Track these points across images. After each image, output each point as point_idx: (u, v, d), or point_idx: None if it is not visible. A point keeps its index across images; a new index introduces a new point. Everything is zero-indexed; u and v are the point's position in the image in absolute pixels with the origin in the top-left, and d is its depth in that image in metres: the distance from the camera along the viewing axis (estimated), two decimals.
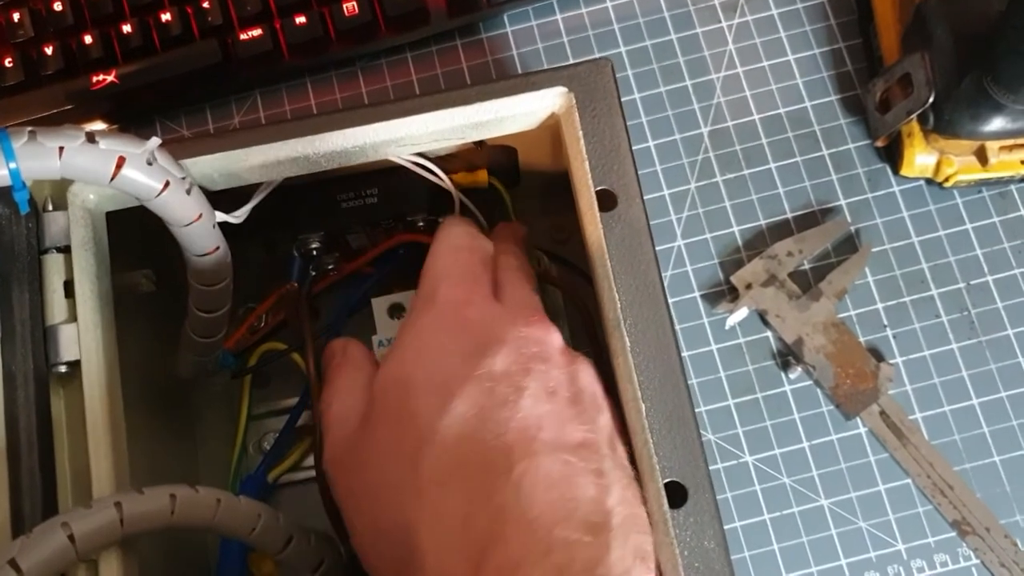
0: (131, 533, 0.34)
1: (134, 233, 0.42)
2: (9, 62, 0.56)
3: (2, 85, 0.56)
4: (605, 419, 0.36)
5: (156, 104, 0.58)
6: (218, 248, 0.39)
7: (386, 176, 0.47)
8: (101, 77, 0.56)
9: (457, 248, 0.41)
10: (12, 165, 0.33)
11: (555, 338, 0.38)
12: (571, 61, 0.58)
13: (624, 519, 0.34)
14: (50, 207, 0.39)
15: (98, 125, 0.57)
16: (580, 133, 0.39)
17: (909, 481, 0.51)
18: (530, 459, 0.33)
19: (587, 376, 0.37)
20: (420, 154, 0.44)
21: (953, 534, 0.51)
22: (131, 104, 0.57)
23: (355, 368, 0.40)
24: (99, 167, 0.34)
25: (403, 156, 0.44)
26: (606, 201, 0.39)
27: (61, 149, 0.34)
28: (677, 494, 0.36)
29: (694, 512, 0.36)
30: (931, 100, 0.49)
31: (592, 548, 0.32)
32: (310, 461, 0.49)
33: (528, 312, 0.38)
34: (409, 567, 0.33)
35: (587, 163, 0.38)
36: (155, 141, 0.35)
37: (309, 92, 0.59)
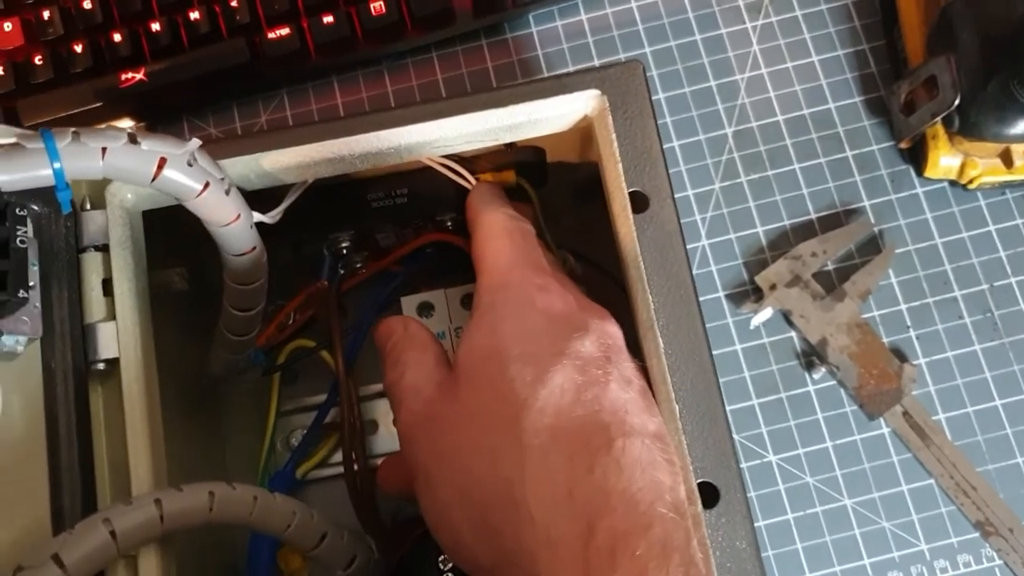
0: (170, 530, 0.35)
1: (168, 231, 0.43)
2: (39, 60, 0.56)
3: (32, 83, 0.56)
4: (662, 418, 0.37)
5: (184, 102, 0.58)
6: (255, 248, 0.40)
7: (415, 176, 0.47)
8: (130, 75, 0.56)
9: (510, 231, 0.41)
10: (56, 165, 0.33)
11: (621, 334, 0.38)
12: (596, 61, 0.59)
13: (692, 514, 0.35)
14: (88, 206, 0.40)
15: (126, 123, 0.57)
16: (613, 136, 0.39)
17: (932, 481, 0.52)
18: (625, 438, 0.34)
19: (636, 363, 0.38)
20: (450, 156, 0.45)
21: (976, 535, 0.51)
22: (159, 102, 0.57)
23: (422, 346, 0.40)
24: (141, 168, 0.35)
25: (433, 158, 0.44)
26: (638, 203, 0.39)
27: (104, 150, 0.34)
28: (709, 495, 0.37)
29: (726, 512, 0.37)
30: (957, 102, 0.49)
31: (682, 527, 0.33)
32: (337, 457, 0.50)
33: (594, 306, 0.39)
34: (505, 521, 0.34)
35: (620, 165, 0.39)
36: (195, 142, 0.36)
37: (336, 91, 0.59)
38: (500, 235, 0.40)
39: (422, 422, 0.38)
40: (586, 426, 0.34)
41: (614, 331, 0.38)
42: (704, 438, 0.37)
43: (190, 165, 0.36)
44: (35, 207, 0.38)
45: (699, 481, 0.36)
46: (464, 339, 0.38)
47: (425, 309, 0.50)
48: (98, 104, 0.56)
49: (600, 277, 0.49)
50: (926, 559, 0.51)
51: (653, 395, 0.37)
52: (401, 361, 0.40)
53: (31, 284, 0.36)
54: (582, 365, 0.35)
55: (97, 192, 0.40)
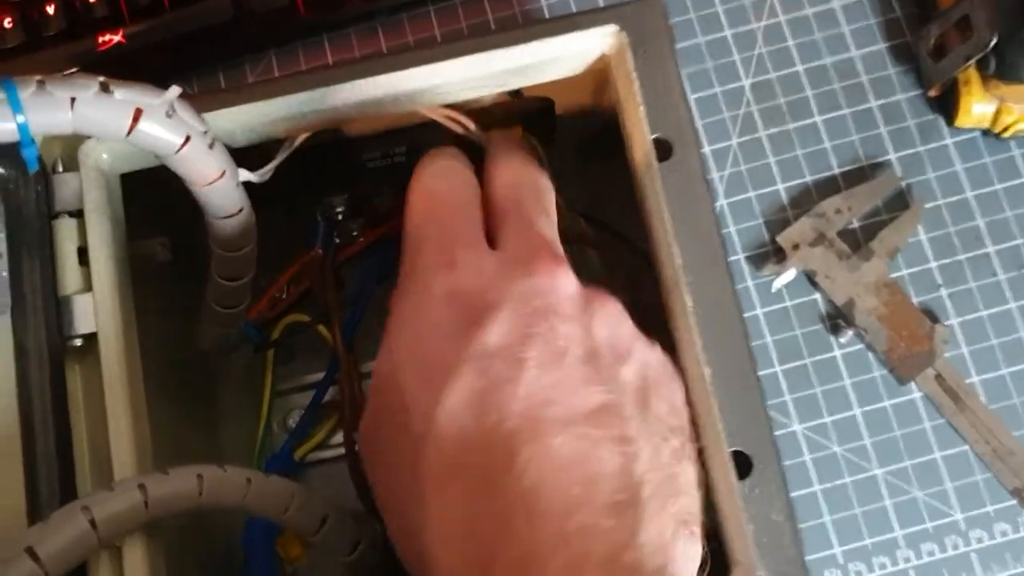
0: (156, 517, 0.32)
1: (148, 197, 0.40)
2: (9, 23, 0.53)
3: (2, 47, 0.53)
4: (631, 370, 0.32)
5: (166, 65, 0.55)
6: (242, 210, 0.37)
7: (414, 133, 0.44)
8: (107, 37, 0.53)
9: (431, 194, 0.35)
10: (20, 118, 0.30)
11: (564, 283, 0.32)
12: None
13: (659, 485, 0.30)
14: (60, 168, 0.37)
15: None
16: (635, 75, 0.36)
17: (967, 448, 0.49)
18: (535, 443, 0.29)
19: (605, 322, 0.32)
20: (451, 107, 0.41)
21: (1014, 503, 0.48)
22: (139, 65, 0.54)
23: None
24: (115, 120, 0.32)
25: (434, 111, 0.41)
26: (661, 150, 0.36)
27: (73, 100, 0.31)
28: (742, 464, 0.34)
29: (760, 483, 0.34)
30: (994, 43, 0.46)
31: (616, 531, 0.28)
32: (338, 438, 0.47)
33: (529, 257, 0.32)
34: (420, 567, 0.30)
35: (643, 108, 0.35)
36: (175, 90, 0.33)
37: (327, 50, 0.56)
38: (417, 201, 0.35)
39: (362, 446, 0.35)
40: (490, 443, 0.29)
41: (546, 284, 0.31)
42: (735, 404, 0.34)
43: (169, 117, 0.33)
44: (0, 170, 0.35)
45: (731, 450, 0.34)
46: (377, 357, 0.33)
47: None
48: (74, 69, 0.53)
49: (613, 241, 0.46)
50: (961, 529, 0.48)
51: (679, 361, 0.34)
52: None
53: None
54: (486, 366, 0.30)
55: (70, 153, 0.37)
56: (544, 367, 0.30)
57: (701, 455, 0.33)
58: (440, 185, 0.35)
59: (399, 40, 0.55)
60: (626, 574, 0.27)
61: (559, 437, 0.29)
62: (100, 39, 0.53)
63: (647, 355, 0.33)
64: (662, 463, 0.30)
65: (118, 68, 0.53)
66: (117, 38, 0.53)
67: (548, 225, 0.34)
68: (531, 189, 0.36)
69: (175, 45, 0.54)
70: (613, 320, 0.33)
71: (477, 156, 0.43)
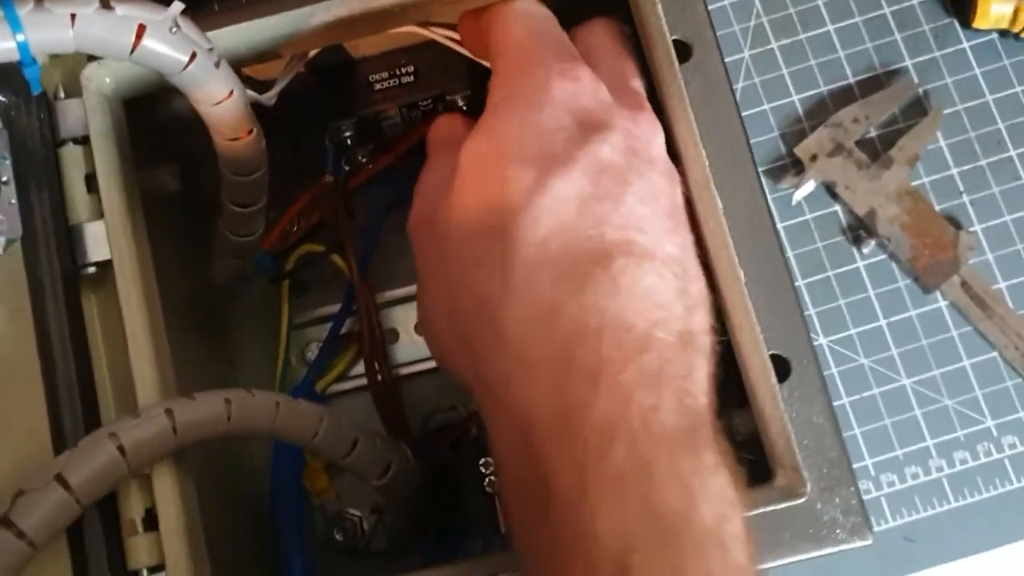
0: (184, 443, 0.31)
1: (154, 126, 0.39)
2: None
3: None
4: (691, 241, 0.33)
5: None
6: (252, 131, 0.35)
7: (422, 52, 0.43)
8: None
9: (531, 13, 0.35)
10: (20, 37, 0.29)
11: (660, 139, 0.34)
12: None
13: (706, 346, 0.31)
14: (62, 94, 0.35)
15: None
16: None
17: (995, 354, 0.48)
18: (628, 258, 0.30)
19: (681, 192, 0.34)
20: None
21: None
22: None
23: (449, 147, 0.35)
24: (117, 37, 0.30)
25: (439, 30, 0.40)
26: (681, 52, 0.35)
27: (73, 17, 0.30)
28: (780, 367, 0.33)
29: (800, 386, 0.33)
30: None
31: (685, 359, 0.29)
32: (359, 369, 0.46)
33: (634, 103, 0.34)
34: (482, 341, 0.31)
35: (660, 7, 0.34)
36: (178, 5, 0.31)
37: None
38: (519, 16, 0.34)
39: (422, 224, 0.34)
40: (584, 242, 0.30)
41: (649, 134, 0.33)
42: (771, 307, 0.34)
43: (172, 33, 0.31)
44: (1, 97, 0.34)
45: (770, 353, 0.33)
46: (468, 138, 0.33)
47: None
48: None
49: None
50: (993, 436, 0.47)
51: (709, 260, 0.33)
52: (428, 164, 0.36)
53: (3, 178, 0.32)
54: (596, 173, 0.31)
55: (71, 78, 0.36)
56: (641, 200, 0.31)
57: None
58: (545, 13, 0.35)
59: None
60: (685, 396, 0.29)
61: (646, 262, 0.30)
62: None
63: None
64: (708, 329, 0.31)
65: None
66: None
67: (640, 82, 0.36)
68: (619, 40, 0.37)
69: None
70: (683, 194, 0.34)
71: (486, 75, 0.43)
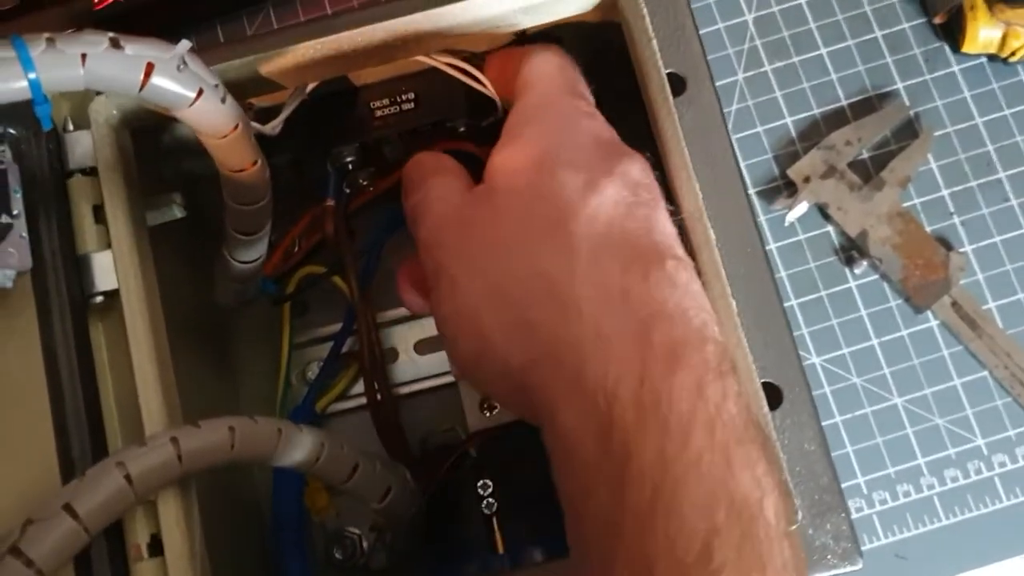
0: (190, 471, 0.32)
1: (160, 153, 0.39)
2: None
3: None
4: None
5: (164, 23, 0.54)
6: (256, 162, 0.36)
7: (423, 79, 0.43)
8: None
9: (561, 65, 0.37)
10: (32, 75, 0.30)
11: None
12: None
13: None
14: (71, 127, 0.36)
15: None
16: (645, 10, 0.35)
17: (986, 373, 0.49)
18: (676, 260, 0.32)
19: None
20: (456, 53, 0.41)
21: None
22: (138, 24, 0.52)
23: (450, 170, 0.38)
24: (127, 75, 0.31)
25: (439, 58, 0.41)
26: (675, 85, 0.36)
27: (84, 56, 0.31)
28: (772, 395, 0.34)
29: (792, 413, 0.34)
30: None
31: (728, 358, 0.31)
32: (357, 388, 0.47)
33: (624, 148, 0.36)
34: (546, 317, 0.31)
35: (655, 43, 0.35)
36: (185, 44, 0.32)
37: (325, 1, 0.55)
38: (550, 61, 0.37)
39: (451, 224, 0.35)
40: (639, 240, 0.32)
41: (653, 173, 0.35)
42: (763, 335, 0.34)
43: (180, 70, 0.32)
44: (12, 130, 0.35)
45: (762, 381, 0.34)
46: (497, 152, 0.35)
47: None
48: (71, 30, 0.52)
49: None
50: (983, 454, 0.48)
51: (707, 286, 0.34)
52: (427, 182, 0.37)
53: (15, 212, 0.33)
54: (633, 185, 0.33)
55: (79, 111, 0.36)
56: (667, 218, 0.33)
57: None
58: (568, 62, 0.38)
59: None
60: (739, 395, 0.30)
61: (691, 271, 0.32)
62: None
63: None
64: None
65: (115, 27, 0.52)
66: None
67: None
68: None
69: (172, 1, 0.53)
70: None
71: (485, 102, 0.43)
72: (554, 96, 0.36)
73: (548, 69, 0.37)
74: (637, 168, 0.33)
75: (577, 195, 0.32)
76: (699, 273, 0.34)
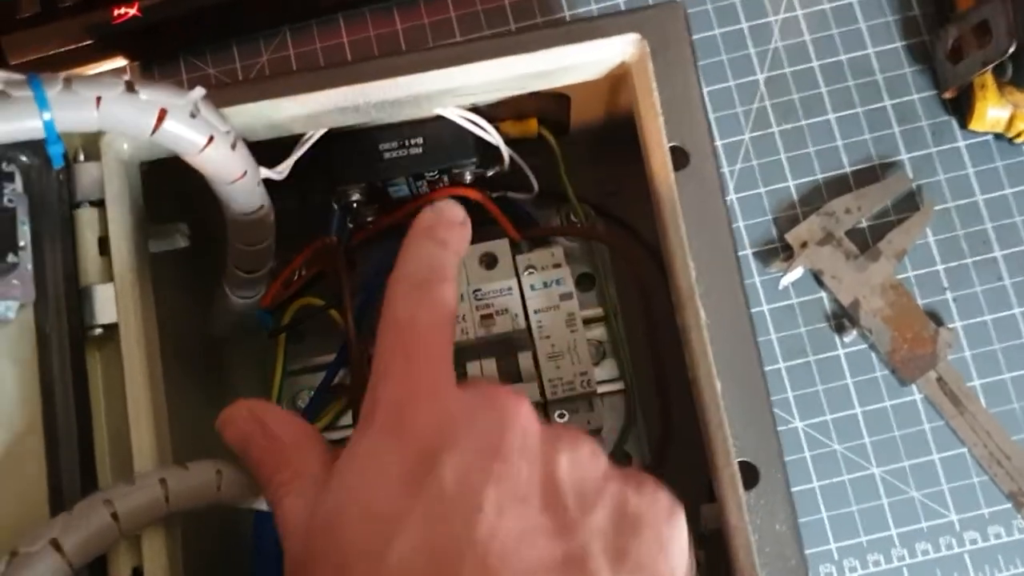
0: (176, 510, 0.33)
1: (168, 183, 0.40)
2: None
3: (18, 18, 0.53)
4: (601, 517, 0.28)
5: (181, 40, 0.55)
6: (262, 207, 0.37)
7: (432, 125, 0.44)
8: (123, 10, 0.53)
9: (397, 321, 0.31)
10: (47, 116, 0.30)
11: (523, 413, 0.29)
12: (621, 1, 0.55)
13: None
14: (82, 157, 0.37)
15: (119, 62, 0.54)
16: (654, 85, 0.36)
17: (965, 450, 0.50)
18: None
19: (570, 460, 0.29)
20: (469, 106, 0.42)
21: (1008, 506, 0.49)
22: (154, 39, 0.54)
23: (292, 460, 0.31)
24: (140, 120, 0.32)
25: (451, 109, 0.41)
26: (678, 159, 0.36)
27: (99, 99, 0.31)
28: (749, 475, 0.35)
29: (766, 493, 0.35)
30: (1012, 50, 0.46)
31: None
32: (347, 419, 0.48)
33: (486, 385, 0.30)
34: None
35: (661, 118, 0.36)
36: (199, 91, 0.33)
37: (342, 29, 0.56)
38: (386, 328, 0.31)
39: (296, 570, 0.29)
40: None
41: (508, 417, 0.29)
42: (746, 415, 0.35)
43: (193, 117, 0.33)
44: (24, 158, 0.35)
45: (739, 460, 0.34)
46: (317, 498, 0.29)
47: None
48: (89, 42, 0.53)
49: (626, 237, 0.46)
50: (955, 530, 0.49)
51: (694, 365, 0.35)
52: (273, 483, 0.31)
53: (21, 245, 0.33)
54: (440, 512, 0.27)
55: (91, 143, 0.37)
56: (502, 512, 0.27)
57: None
58: (413, 302, 0.32)
59: (414, 21, 0.55)
60: None
61: None
62: (115, 12, 0.53)
63: (626, 497, 0.29)
64: None
65: (132, 41, 0.53)
66: (132, 11, 0.53)
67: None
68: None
69: (189, 19, 0.53)
70: (583, 460, 0.29)
71: (494, 150, 0.44)
72: (373, 393, 0.30)
73: (379, 342, 0.31)
74: (452, 465, 0.27)
75: (369, 568, 0.27)
76: (685, 353, 0.35)
